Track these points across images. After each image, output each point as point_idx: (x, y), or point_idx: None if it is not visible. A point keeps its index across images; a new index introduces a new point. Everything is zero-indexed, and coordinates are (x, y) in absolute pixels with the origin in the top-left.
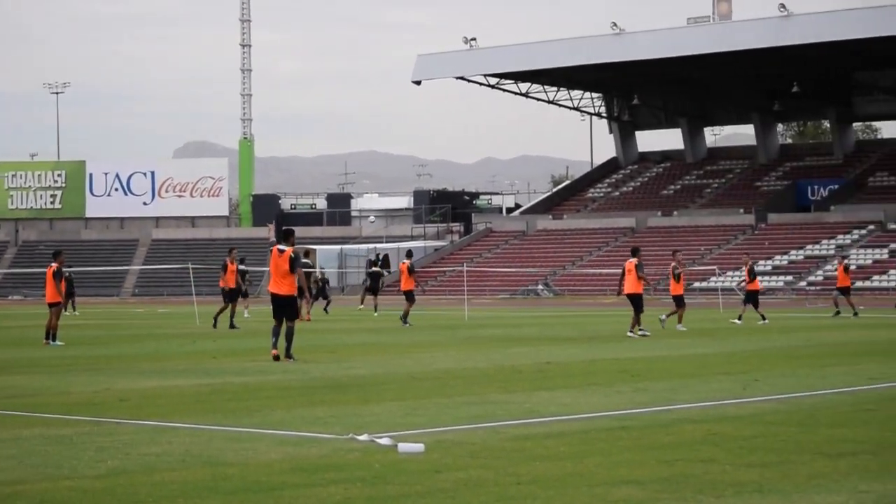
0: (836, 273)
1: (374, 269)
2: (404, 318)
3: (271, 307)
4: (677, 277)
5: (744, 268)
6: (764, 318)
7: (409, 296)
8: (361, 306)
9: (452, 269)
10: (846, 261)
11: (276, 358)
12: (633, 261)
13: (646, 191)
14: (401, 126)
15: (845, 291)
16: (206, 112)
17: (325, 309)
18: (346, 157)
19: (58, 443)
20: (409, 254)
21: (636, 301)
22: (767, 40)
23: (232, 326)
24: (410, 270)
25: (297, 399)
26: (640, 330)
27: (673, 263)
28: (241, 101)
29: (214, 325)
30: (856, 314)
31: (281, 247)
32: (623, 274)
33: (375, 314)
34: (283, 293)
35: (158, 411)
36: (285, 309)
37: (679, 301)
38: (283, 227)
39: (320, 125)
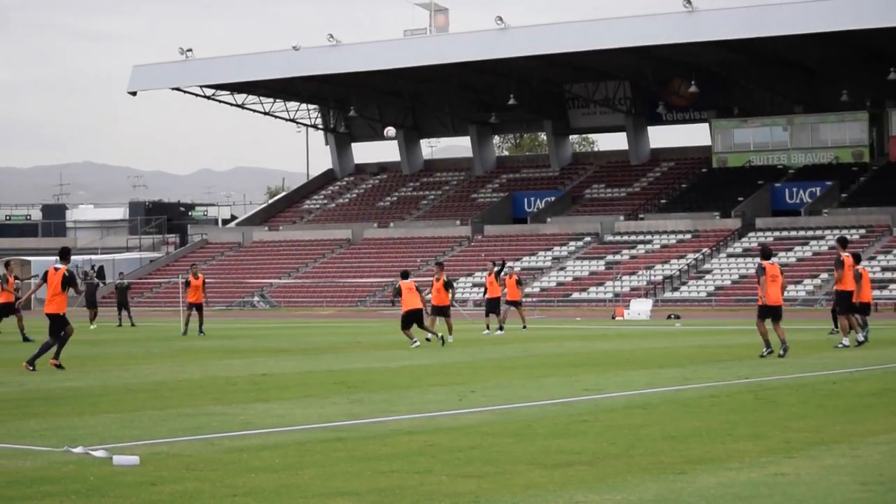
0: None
1: (119, 282)
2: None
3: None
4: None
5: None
6: (501, 329)
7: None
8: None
9: (168, 280)
10: (516, 274)
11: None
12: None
13: (362, 202)
14: (117, 137)
15: (516, 304)
16: None
17: (91, 320)
18: (62, 169)
19: None
20: (194, 266)
21: (418, 315)
22: (484, 52)
23: None
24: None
25: (11, 411)
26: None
27: (442, 278)
28: None
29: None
30: (501, 329)
31: (56, 265)
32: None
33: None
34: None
35: None
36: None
37: (443, 311)
38: (62, 247)
39: (35, 136)
